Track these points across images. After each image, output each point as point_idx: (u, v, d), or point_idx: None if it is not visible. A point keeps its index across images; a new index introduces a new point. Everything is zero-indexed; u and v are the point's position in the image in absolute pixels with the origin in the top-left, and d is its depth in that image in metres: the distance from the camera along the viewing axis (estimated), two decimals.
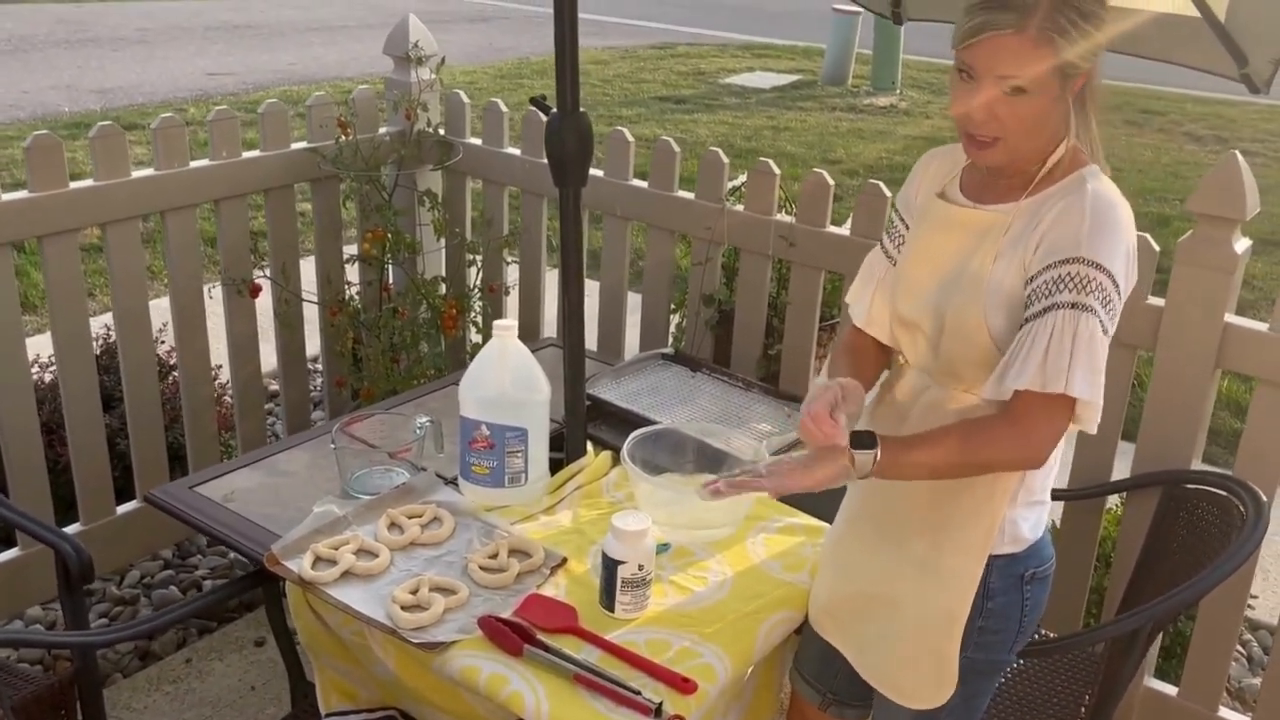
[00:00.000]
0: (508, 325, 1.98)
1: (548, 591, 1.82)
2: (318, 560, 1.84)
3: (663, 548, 1.96)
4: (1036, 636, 2.25)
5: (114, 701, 2.67)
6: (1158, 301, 2.27)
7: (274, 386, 3.71)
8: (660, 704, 1.57)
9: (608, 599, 1.74)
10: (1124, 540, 2.40)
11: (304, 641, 1.93)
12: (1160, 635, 2.41)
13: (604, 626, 1.74)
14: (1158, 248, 2.25)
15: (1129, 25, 1.56)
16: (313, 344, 3.31)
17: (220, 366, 3.21)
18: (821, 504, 1.85)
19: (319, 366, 3.68)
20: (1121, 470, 2.40)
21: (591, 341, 3.23)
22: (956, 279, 1.52)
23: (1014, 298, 1.48)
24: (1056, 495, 2.19)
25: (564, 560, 1.89)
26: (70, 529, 2.82)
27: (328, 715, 1.93)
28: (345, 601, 1.75)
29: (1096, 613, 2.61)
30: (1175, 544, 2.13)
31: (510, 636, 1.66)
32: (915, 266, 1.61)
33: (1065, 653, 2.18)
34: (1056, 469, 1.57)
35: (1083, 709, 2.08)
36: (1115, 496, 2.57)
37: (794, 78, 10.85)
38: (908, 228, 1.67)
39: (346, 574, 1.81)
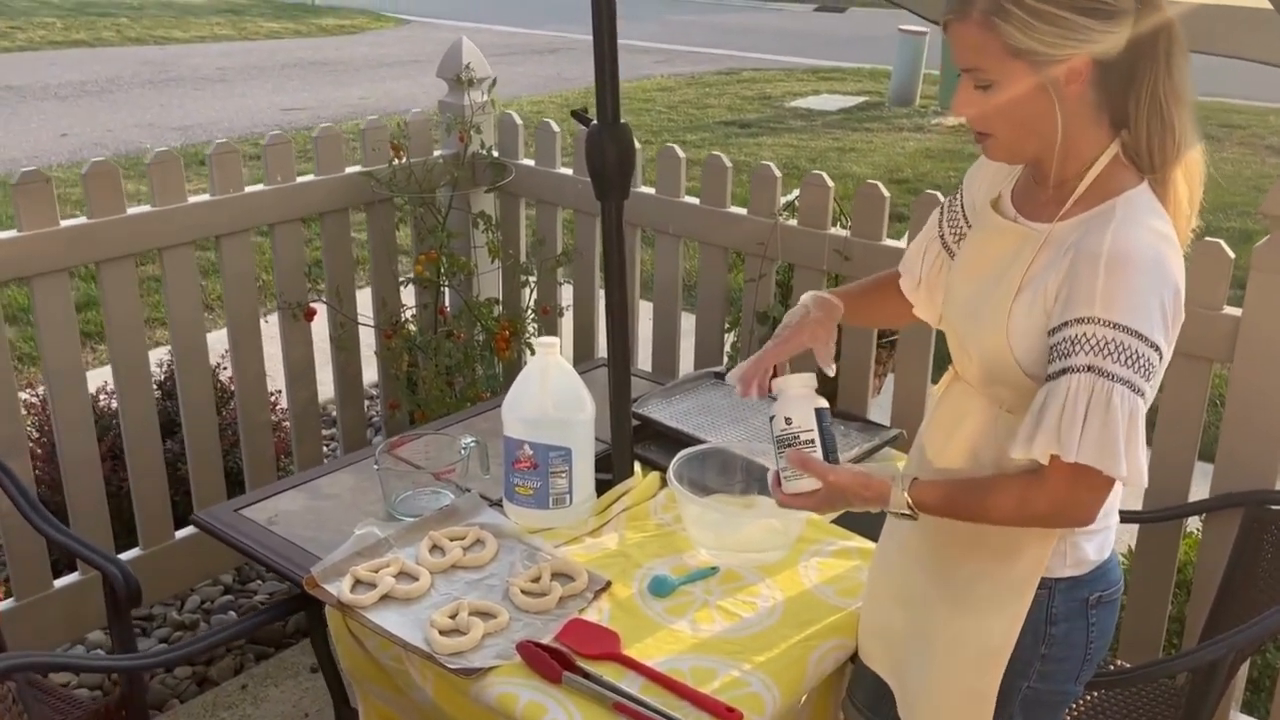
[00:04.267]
0: (550, 343, 1.94)
1: (590, 616, 1.76)
2: (357, 583, 1.81)
3: (710, 571, 1.89)
4: (1110, 666, 2.13)
5: None
6: (1234, 311, 2.15)
7: (333, 411, 3.72)
8: None
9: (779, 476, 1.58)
10: (1204, 565, 2.27)
11: (346, 667, 1.90)
12: (1246, 666, 2.27)
13: (647, 653, 1.68)
14: (1232, 255, 2.14)
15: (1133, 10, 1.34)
16: (369, 369, 3.31)
17: (279, 392, 3.22)
18: (877, 527, 1.77)
19: (376, 392, 3.69)
20: (1200, 491, 2.28)
21: (645, 362, 3.19)
22: (983, 304, 1.45)
23: (1038, 334, 1.39)
24: (1130, 518, 2.07)
25: (608, 584, 1.83)
26: (129, 554, 2.84)
27: None
28: (383, 625, 1.71)
29: (1177, 643, 2.47)
30: (1260, 568, 2.00)
31: (549, 663, 1.61)
32: (961, 278, 1.54)
33: (1144, 684, 2.06)
34: (1122, 490, 1.47)
35: None
36: (1195, 519, 2.44)
37: (860, 99, 10.75)
38: (969, 225, 1.60)
39: (386, 597, 1.78)
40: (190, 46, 13.32)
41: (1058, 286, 1.35)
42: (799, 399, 1.55)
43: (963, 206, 1.61)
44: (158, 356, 3.25)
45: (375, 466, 2.02)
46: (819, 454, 1.52)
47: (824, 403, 1.56)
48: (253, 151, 2.92)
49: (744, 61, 12.89)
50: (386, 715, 1.91)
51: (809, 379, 1.57)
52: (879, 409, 2.80)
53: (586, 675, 1.61)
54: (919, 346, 2.58)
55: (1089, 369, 1.30)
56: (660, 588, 1.84)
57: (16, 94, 10.23)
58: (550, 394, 1.93)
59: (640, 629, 1.74)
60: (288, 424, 3.22)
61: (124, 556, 2.84)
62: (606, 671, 1.63)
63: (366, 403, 3.76)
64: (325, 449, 3.56)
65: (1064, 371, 1.32)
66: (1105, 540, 1.49)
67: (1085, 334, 1.30)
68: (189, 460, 2.89)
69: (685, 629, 1.75)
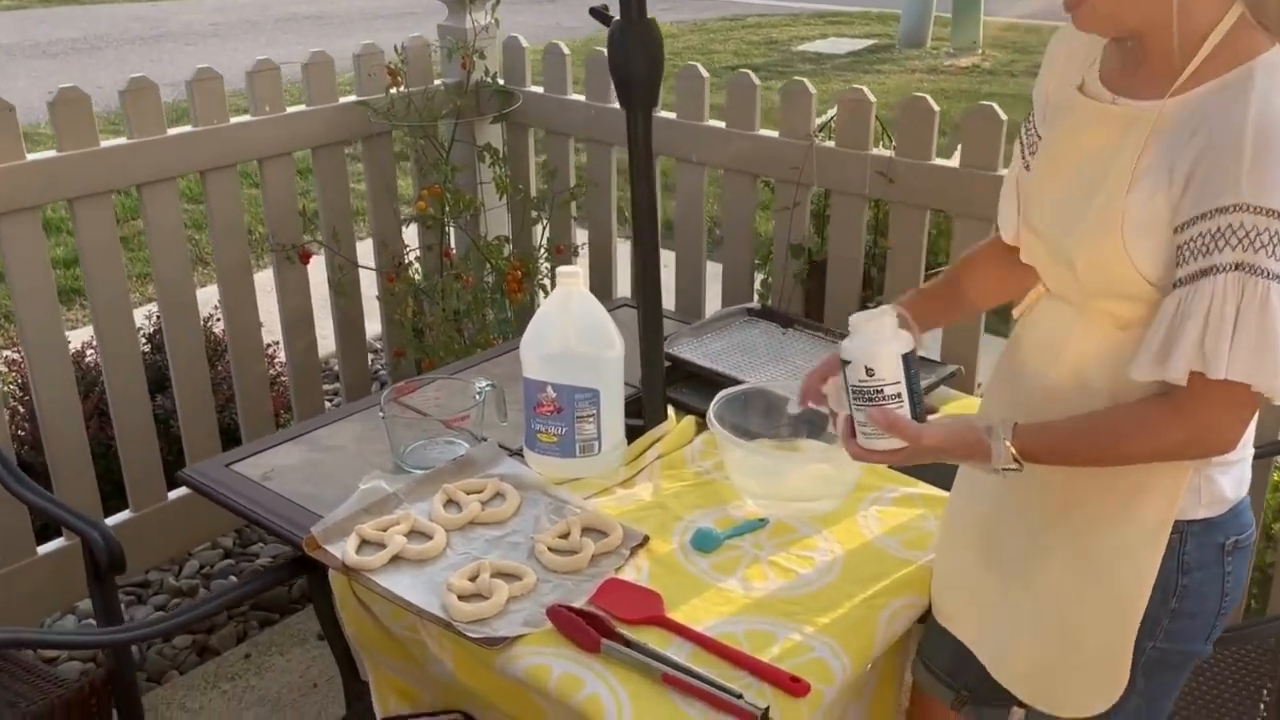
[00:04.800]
0: (572, 272, 1.73)
1: (628, 575, 1.56)
2: (363, 544, 1.61)
3: (760, 523, 1.69)
4: None
5: (169, 700, 2.49)
6: None
7: (334, 365, 3.52)
8: (766, 709, 1.30)
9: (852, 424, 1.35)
10: None
11: (353, 637, 1.70)
12: None
13: (695, 616, 1.48)
14: None
15: None
16: (372, 319, 3.10)
17: (276, 344, 3.01)
18: (945, 471, 1.56)
19: (380, 344, 3.48)
20: None
21: (668, 303, 2.97)
22: (1086, 202, 1.22)
23: (1162, 230, 1.17)
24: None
25: (645, 539, 1.63)
26: (118, 517, 2.65)
27: (385, 719, 1.69)
28: (394, 591, 1.51)
29: (1259, 594, 2.27)
30: None
31: (585, 630, 1.41)
32: (1044, 180, 1.31)
33: (1243, 644, 1.86)
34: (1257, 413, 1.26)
35: (1262, 705, 1.76)
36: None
37: (870, 42, 10.44)
38: (1040, 136, 1.37)
39: (396, 559, 1.57)
40: (182, 3, 12.97)
41: (1187, 173, 1.13)
42: (881, 342, 1.29)
43: (1034, 122, 1.39)
44: (147, 310, 3.04)
45: (381, 414, 1.81)
46: (906, 409, 1.28)
47: (909, 343, 1.31)
48: (244, 105, 2.68)
49: (748, 8, 12.55)
50: (400, 688, 1.72)
51: (891, 316, 1.32)
52: (929, 343, 2.58)
53: (628, 643, 1.40)
54: None
55: (1237, 266, 1.09)
56: (704, 542, 1.63)
57: (5, 52, 9.96)
58: (574, 329, 1.71)
59: (685, 588, 1.54)
60: (286, 378, 3.01)
61: (113, 520, 2.65)
62: (650, 638, 1.43)
63: (370, 355, 3.56)
64: (329, 404, 3.36)
65: (1204, 273, 1.11)
66: (1242, 475, 1.28)
67: (1230, 225, 1.09)
68: (179, 416, 2.69)
69: (736, 588, 1.55)
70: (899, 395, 1.28)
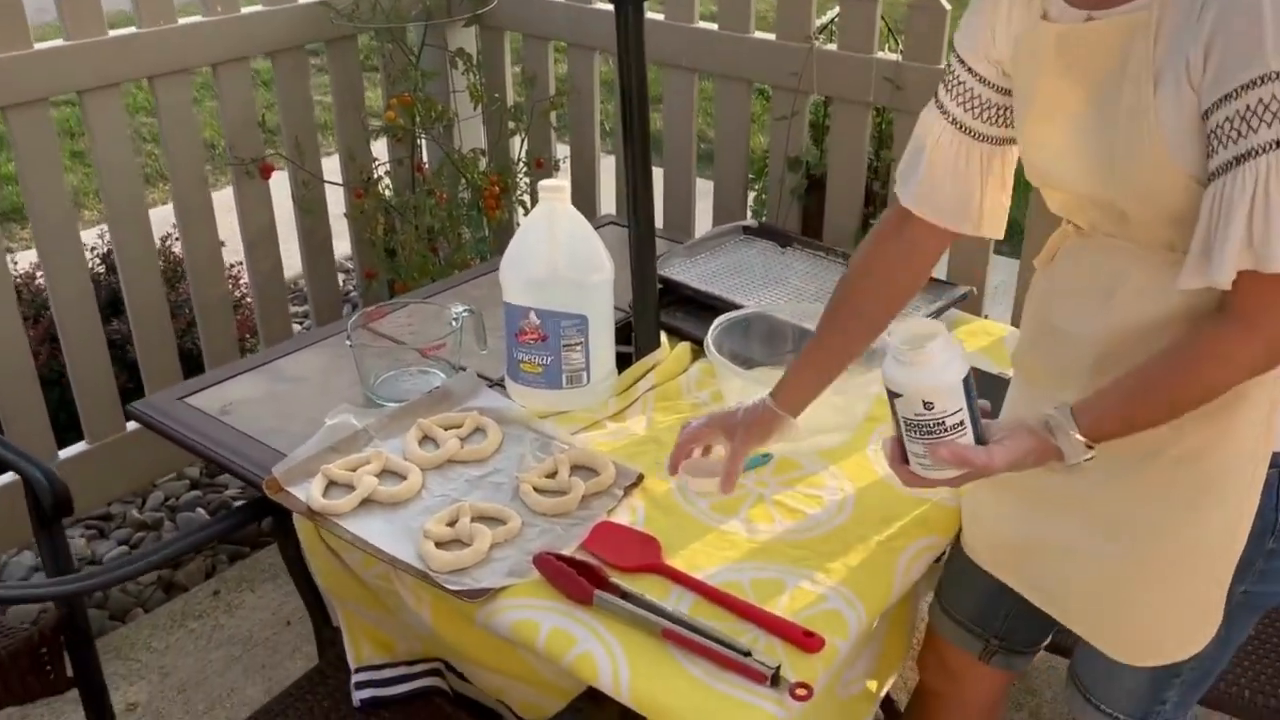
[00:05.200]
0: (557, 186, 1.56)
1: (621, 518, 1.43)
2: (330, 485, 1.47)
3: (763, 459, 1.56)
4: None
5: (133, 640, 2.37)
6: None
7: (305, 286, 3.34)
8: (778, 669, 1.18)
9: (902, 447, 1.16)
10: None
11: (323, 585, 1.57)
12: None
13: (696, 562, 1.35)
14: None
15: None
16: (343, 239, 2.92)
17: (239, 264, 2.84)
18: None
19: (352, 265, 3.30)
20: None
21: (656, 220, 2.81)
22: (1111, 132, 1.08)
23: (1202, 125, 1.04)
24: None
25: (640, 478, 1.49)
26: (72, 449, 2.50)
27: (359, 669, 1.57)
28: (364, 537, 1.38)
29: None
30: None
31: (576, 580, 1.28)
32: (1045, 128, 1.16)
33: None
34: None
35: None
36: None
37: None
38: (986, 83, 1.23)
39: (366, 502, 1.44)
40: None
41: (1204, 51, 1.00)
42: (939, 372, 1.07)
43: (974, 72, 1.24)
44: (101, 229, 2.85)
45: (348, 342, 1.65)
46: (969, 435, 1.10)
47: (967, 363, 1.09)
48: (197, 9, 2.46)
49: None
50: (376, 636, 1.59)
51: (944, 336, 1.08)
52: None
53: (624, 594, 1.28)
54: None
55: (1278, 144, 0.96)
56: None
57: None
58: (560, 249, 1.56)
59: (684, 532, 1.41)
60: (252, 300, 2.85)
61: (68, 453, 2.50)
62: (647, 588, 1.30)
63: (342, 276, 3.39)
64: (298, 328, 3.20)
65: (1241, 158, 0.98)
66: None
67: (1262, 100, 0.96)
68: (135, 341, 2.52)
69: (739, 530, 1.42)
70: (961, 424, 1.09)
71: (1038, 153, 1.19)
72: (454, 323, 1.70)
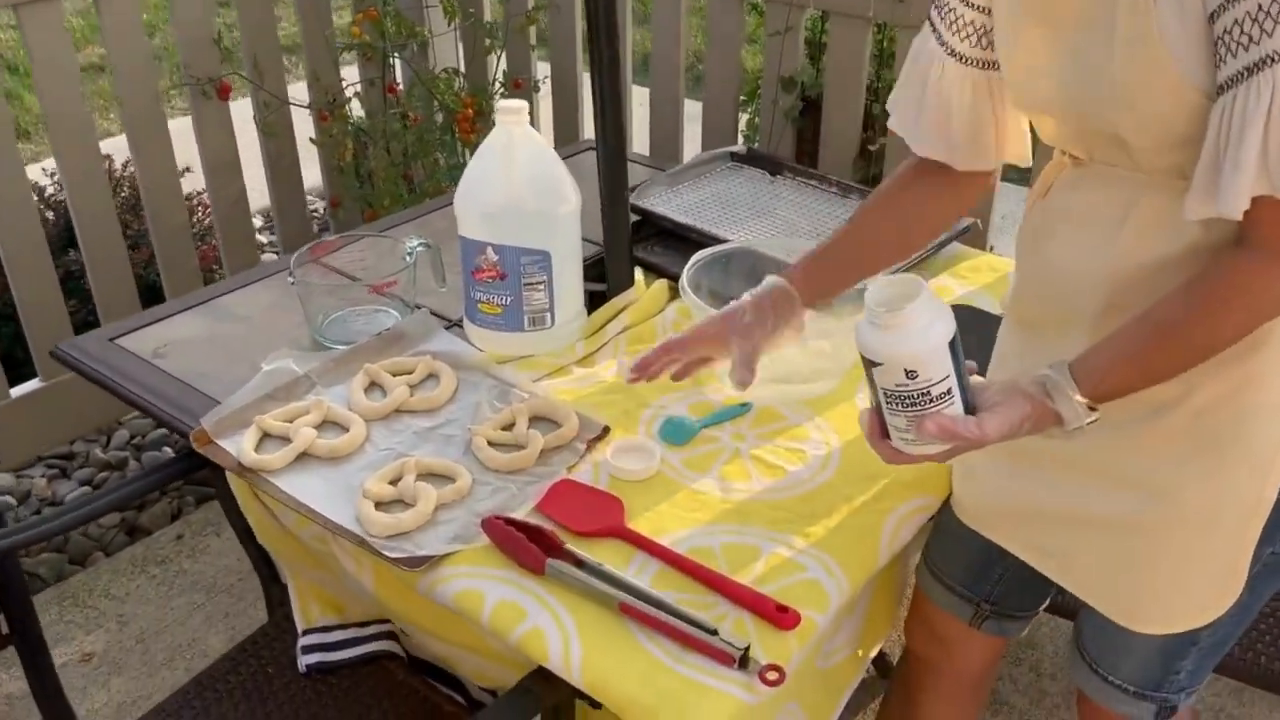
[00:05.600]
0: (514, 108, 1.41)
1: (582, 476, 1.30)
2: (265, 437, 1.34)
3: (741, 408, 1.43)
4: None
5: (91, 586, 2.27)
6: None
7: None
8: (747, 649, 1.06)
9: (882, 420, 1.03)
10: None
11: (264, 544, 1.45)
12: None
13: (663, 525, 1.23)
14: None
15: None
16: (314, 166, 2.77)
17: (201, 193, 2.69)
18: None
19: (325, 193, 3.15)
20: None
21: (641, 146, 2.65)
22: (1102, 41, 0.94)
23: (1206, 31, 0.90)
24: None
25: (605, 430, 1.36)
26: (24, 388, 2.38)
27: (307, 631, 1.46)
28: (298, 497, 1.25)
29: None
30: None
31: (526, 546, 1.16)
32: (1033, 48, 1.02)
33: None
34: None
35: None
36: None
37: None
38: (977, 7, 1.09)
39: (304, 456, 1.31)
40: None
41: None
42: (921, 336, 0.94)
43: None
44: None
45: (290, 280, 1.51)
46: (958, 404, 0.97)
47: (952, 323, 0.95)
48: None
49: None
50: (324, 597, 1.48)
51: (926, 295, 0.94)
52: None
53: (579, 563, 1.16)
54: None
55: None
56: (676, 433, 1.37)
57: None
58: (519, 178, 1.41)
59: (651, 490, 1.28)
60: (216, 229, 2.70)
61: (20, 390, 2.38)
62: (607, 555, 1.18)
63: (319, 203, 3.23)
64: (273, 258, 3.06)
65: (1253, 69, 0.85)
66: None
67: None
68: (89, 273, 2.39)
69: (712, 489, 1.29)
70: (948, 393, 0.96)
71: (1025, 76, 1.05)
72: (407, 258, 1.56)
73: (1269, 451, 1.04)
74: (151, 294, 2.65)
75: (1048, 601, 1.35)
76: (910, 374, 0.95)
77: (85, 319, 2.53)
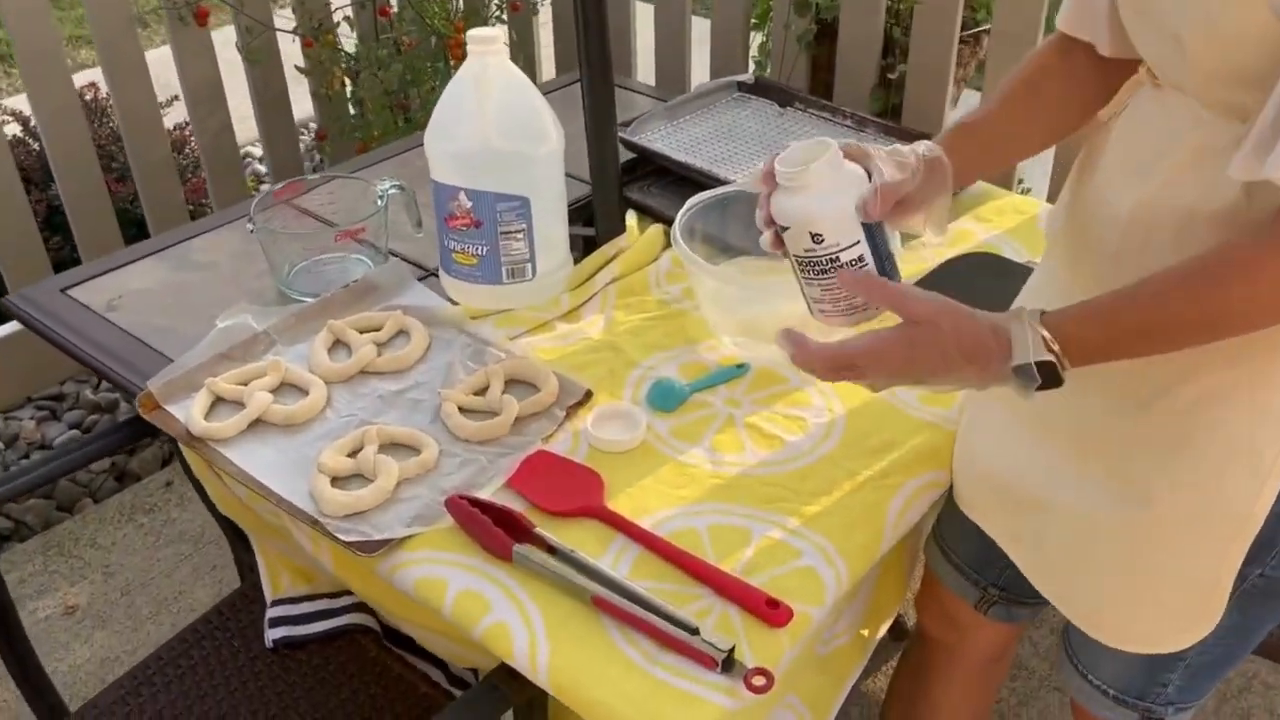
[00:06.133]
0: (487, 36, 1.27)
1: (559, 446, 1.19)
2: (217, 402, 1.23)
3: (737, 370, 1.31)
4: None
5: (77, 535, 2.21)
6: None
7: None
8: (731, 651, 0.96)
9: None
10: None
11: (225, 513, 1.35)
12: None
13: (645, 504, 1.12)
14: None
15: None
16: (305, 97, 2.63)
17: (187, 125, 2.57)
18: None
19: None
20: None
21: (646, 75, 2.50)
22: None
23: None
24: None
25: (587, 394, 1.25)
26: (7, 328, 2.29)
27: (275, 602, 1.37)
28: (249, 471, 1.15)
29: None
30: None
31: (492, 531, 1.05)
32: None
33: None
34: None
35: None
36: None
37: None
38: None
39: (258, 423, 1.21)
40: None
41: None
42: (825, 195, 0.91)
43: None
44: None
45: (250, 226, 1.39)
46: (872, 270, 0.94)
47: (864, 190, 0.92)
48: None
49: None
50: (294, 567, 1.39)
51: (832, 153, 0.91)
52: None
53: (551, 549, 1.05)
54: (1019, 39, 1.87)
55: None
56: (664, 398, 1.25)
57: None
58: (492, 116, 1.28)
59: (634, 463, 1.17)
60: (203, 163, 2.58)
61: (4, 330, 2.29)
62: (582, 538, 1.07)
63: (310, 138, 3.10)
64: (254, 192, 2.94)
65: None
66: None
67: None
68: (66, 210, 2.28)
69: (701, 462, 1.18)
70: (860, 259, 0.93)
71: None
72: (379, 201, 1.44)
73: (1269, 461, 0.90)
74: (138, 229, 2.55)
75: None
76: (816, 237, 0.92)
77: (70, 255, 2.43)
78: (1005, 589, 1.20)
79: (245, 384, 1.24)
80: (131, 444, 1.32)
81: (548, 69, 2.78)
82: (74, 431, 2.45)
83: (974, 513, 1.14)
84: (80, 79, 2.54)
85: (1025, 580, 1.19)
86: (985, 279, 1.45)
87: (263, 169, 3.12)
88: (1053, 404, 0.90)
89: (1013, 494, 1.07)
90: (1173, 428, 0.92)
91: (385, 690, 1.31)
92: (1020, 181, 2.01)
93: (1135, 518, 0.96)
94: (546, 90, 1.95)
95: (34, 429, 2.42)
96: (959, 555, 1.22)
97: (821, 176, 0.90)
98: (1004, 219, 1.60)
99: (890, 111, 2.09)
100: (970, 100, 2.26)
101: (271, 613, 1.36)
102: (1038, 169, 2.57)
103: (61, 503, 2.29)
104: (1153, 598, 0.98)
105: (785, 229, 0.93)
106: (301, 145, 2.79)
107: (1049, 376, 0.84)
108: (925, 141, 1.00)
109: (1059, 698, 1.84)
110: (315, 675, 1.33)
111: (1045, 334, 0.83)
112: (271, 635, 1.34)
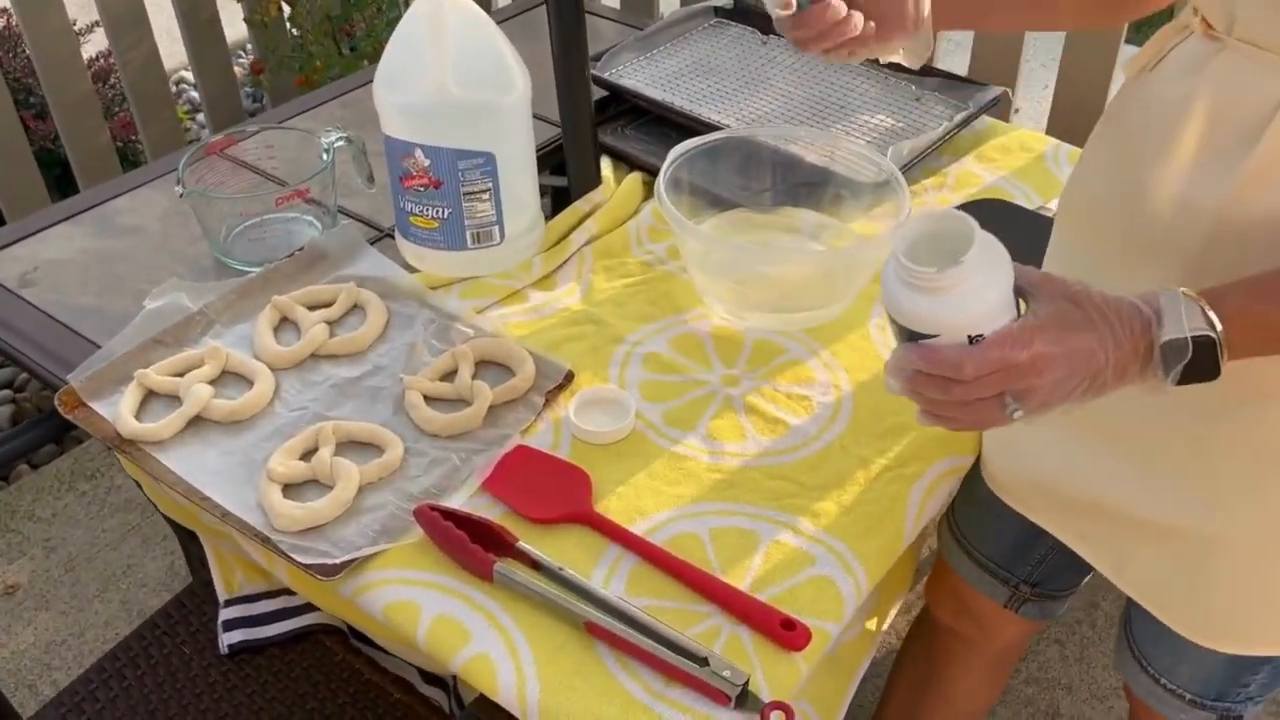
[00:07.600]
0: None
1: (539, 440, 1.06)
2: (149, 397, 1.09)
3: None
4: None
5: (14, 507, 2.06)
6: None
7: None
8: (746, 683, 0.85)
9: None
10: None
11: (168, 515, 1.22)
12: None
13: (639, 504, 1.00)
14: None
15: None
16: (239, 25, 2.42)
17: (109, 57, 2.36)
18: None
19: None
20: None
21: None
22: None
23: None
24: None
25: (569, 377, 1.12)
26: None
27: (229, 602, 1.25)
28: (188, 479, 1.01)
29: None
30: None
31: (468, 548, 0.93)
32: None
33: None
34: None
35: None
36: None
37: None
38: None
39: (198, 420, 1.07)
40: None
41: None
42: (981, 290, 0.72)
43: None
44: None
45: (179, 190, 1.23)
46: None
47: (1008, 259, 0.74)
48: None
49: None
50: (249, 565, 1.26)
51: (976, 234, 0.71)
52: (949, 54, 1.98)
53: (536, 564, 0.93)
54: None
55: None
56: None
57: None
58: (449, 63, 1.12)
59: (624, 458, 1.05)
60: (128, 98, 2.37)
61: None
62: (571, 550, 0.95)
63: (245, 68, 2.89)
64: (188, 129, 2.74)
65: None
66: None
67: None
68: None
69: (699, 452, 1.06)
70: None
71: None
72: (324, 156, 1.28)
73: None
74: (63, 170, 2.36)
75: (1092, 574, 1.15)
76: (976, 339, 0.73)
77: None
78: (1037, 585, 1.10)
79: (181, 374, 1.10)
80: (60, 435, 1.17)
81: None
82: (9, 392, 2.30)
83: (1020, 505, 1.03)
84: None
85: (1062, 574, 1.10)
86: (996, 231, 1.32)
87: (197, 96, 2.91)
88: (1125, 409, 0.78)
89: (1088, 503, 0.96)
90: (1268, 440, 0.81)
91: (354, 698, 1.20)
92: (1017, 111, 1.87)
93: (1241, 523, 0.86)
94: (500, 19, 1.78)
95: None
96: (984, 553, 1.11)
97: (974, 271, 0.71)
98: (1010, 158, 1.48)
99: None
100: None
101: (225, 614, 1.24)
102: (1033, 94, 2.44)
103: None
104: (1260, 602, 0.90)
105: (929, 337, 0.74)
106: (238, 72, 2.59)
107: (1203, 359, 0.69)
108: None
109: (1059, 650, 1.78)
110: (277, 683, 1.22)
111: (1203, 304, 0.69)
112: (227, 640, 1.23)
